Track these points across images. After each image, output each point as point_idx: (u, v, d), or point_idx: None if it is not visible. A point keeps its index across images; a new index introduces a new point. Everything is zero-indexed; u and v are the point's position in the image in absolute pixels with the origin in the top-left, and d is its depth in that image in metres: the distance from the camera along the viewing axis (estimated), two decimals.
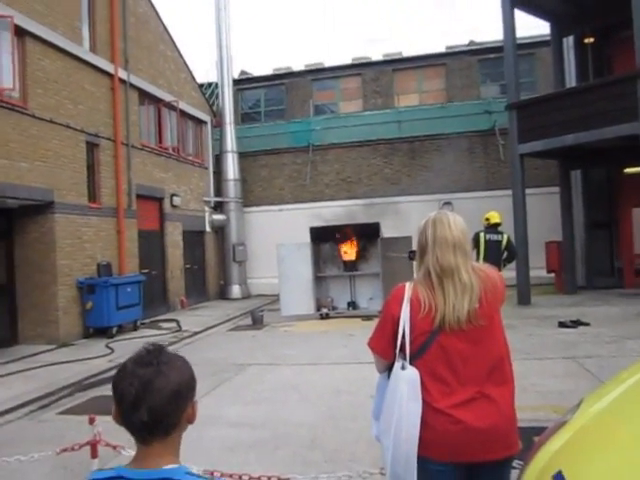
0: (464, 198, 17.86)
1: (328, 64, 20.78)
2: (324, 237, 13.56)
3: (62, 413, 6.61)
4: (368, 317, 12.38)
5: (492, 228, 9.99)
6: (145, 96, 15.21)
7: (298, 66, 20.98)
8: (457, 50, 19.72)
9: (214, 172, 19.31)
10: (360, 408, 5.72)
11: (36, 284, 11.00)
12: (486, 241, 9.79)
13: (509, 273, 13.33)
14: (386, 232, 13.66)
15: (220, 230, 19.39)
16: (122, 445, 4.00)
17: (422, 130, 18.92)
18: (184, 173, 17.20)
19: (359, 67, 20.29)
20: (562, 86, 15.34)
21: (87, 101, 12.39)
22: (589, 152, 14.08)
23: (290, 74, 20.74)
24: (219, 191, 19.40)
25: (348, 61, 20.73)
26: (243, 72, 22.02)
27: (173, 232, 16.29)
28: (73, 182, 11.72)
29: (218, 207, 19.38)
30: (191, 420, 1.39)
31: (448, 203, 18.15)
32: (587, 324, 10.09)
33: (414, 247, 2.35)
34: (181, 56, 17.32)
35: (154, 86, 15.51)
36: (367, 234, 13.38)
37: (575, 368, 7.17)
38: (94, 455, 4.20)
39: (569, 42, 16.06)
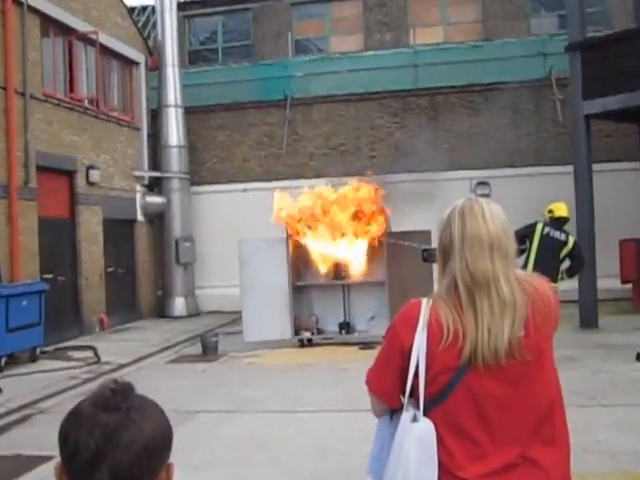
0: (505, 176, 17.97)
1: None
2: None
3: None
4: (367, 344, 12.39)
5: (556, 223, 10.00)
6: (50, 24, 15.06)
7: None
8: None
9: (149, 135, 19.23)
10: (355, 473, 5.74)
11: None
12: (543, 236, 9.79)
13: (567, 284, 13.47)
14: (395, 224, 13.72)
15: (157, 219, 19.33)
16: None
17: (447, 79, 18.98)
18: (106, 136, 17.09)
19: None
20: None
21: None
22: None
23: None
24: (156, 163, 19.33)
25: None
26: None
27: (89, 221, 16.19)
28: None
29: (155, 186, 19.31)
30: None
31: (483, 184, 18.24)
32: None
33: (432, 245, 2.36)
34: None
35: (63, 10, 15.36)
36: None
37: None
38: None
39: None
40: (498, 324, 2.11)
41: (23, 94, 13.74)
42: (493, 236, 2.18)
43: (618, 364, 10.05)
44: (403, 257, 12.22)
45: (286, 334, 13.14)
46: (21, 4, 13.76)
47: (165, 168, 19.28)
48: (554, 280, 9.85)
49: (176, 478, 1.37)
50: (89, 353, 12.98)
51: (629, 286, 15.87)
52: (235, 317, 16.09)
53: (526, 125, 18.68)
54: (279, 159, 19.89)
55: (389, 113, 19.44)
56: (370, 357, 2.46)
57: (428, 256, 2.35)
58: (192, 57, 21.40)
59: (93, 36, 16.29)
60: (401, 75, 19.30)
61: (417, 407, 2.16)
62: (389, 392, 2.24)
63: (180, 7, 20.27)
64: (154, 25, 20.22)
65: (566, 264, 10.04)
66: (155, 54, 19.59)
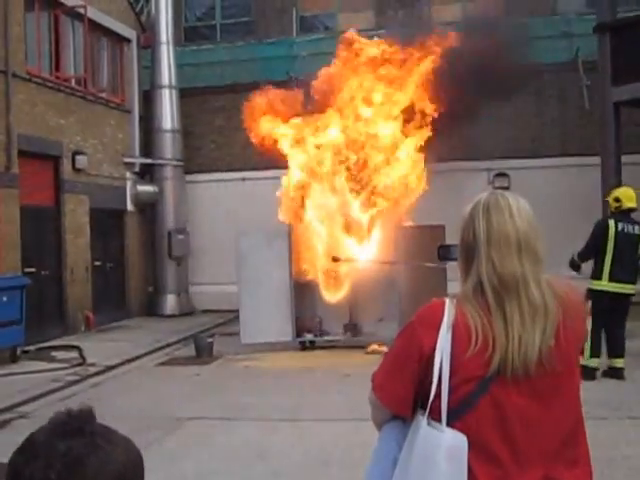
0: (527, 168, 17.92)
1: None
2: None
3: None
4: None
5: (624, 215, 9.81)
6: None
7: None
8: None
9: (141, 118, 19.22)
10: None
11: None
12: (618, 232, 9.57)
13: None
14: (406, 218, 13.71)
15: (149, 209, 19.35)
16: None
17: None
18: (94, 119, 17.10)
19: None
20: None
21: None
22: None
23: None
24: (148, 148, 19.33)
25: None
26: None
27: (76, 210, 16.21)
28: None
29: (146, 173, 19.33)
30: None
31: (502, 175, 18.20)
32: None
33: (448, 242, 2.33)
34: None
35: None
36: None
37: None
38: None
39: None
40: (529, 333, 2.08)
41: (5, 72, 13.73)
42: (521, 235, 2.15)
43: None
44: (415, 252, 12.18)
45: (287, 336, 13.16)
46: None
47: (158, 154, 19.27)
48: (634, 280, 9.70)
49: None
50: (74, 353, 13.00)
51: None
52: (232, 317, 16.11)
53: (550, 112, 18.61)
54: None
55: None
56: (378, 362, 2.39)
57: (444, 254, 2.30)
58: (188, 34, 21.32)
59: (81, 10, 16.25)
60: None
61: (431, 417, 2.12)
62: (400, 400, 2.20)
63: None
64: None
65: None
66: (148, 30, 19.54)
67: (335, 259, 12.86)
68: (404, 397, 2.19)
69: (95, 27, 17.23)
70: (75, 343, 14.00)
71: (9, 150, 13.81)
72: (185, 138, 19.80)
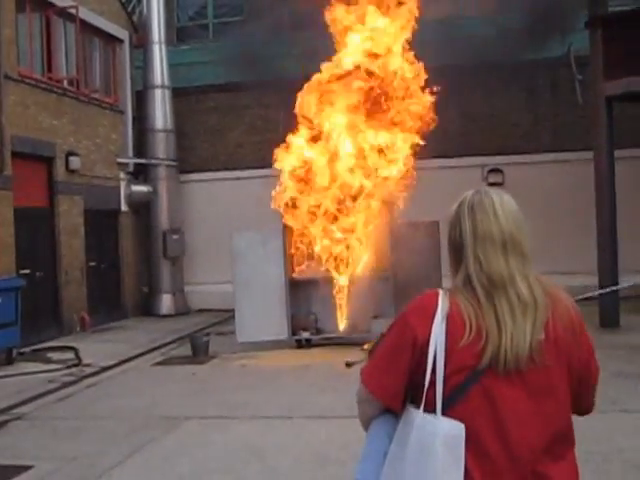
0: (520, 163, 17.92)
1: None
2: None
3: None
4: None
5: None
6: None
7: None
8: None
9: (134, 119, 19.18)
10: None
11: None
12: None
13: (586, 279, 13.47)
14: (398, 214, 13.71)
15: (143, 209, 19.31)
16: None
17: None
18: (87, 120, 17.05)
19: None
20: None
21: None
22: None
23: None
24: (142, 148, 19.31)
25: None
26: None
27: (70, 211, 16.19)
28: None
29: (140, 173, 19.29)
30: None
31: (496, 171, 18.20)
32: None
33: (442, 237, 2.33)
34: None
35: None
36: None
37: None
38: None
39: None
40: (520, 327, 2.10)
41: None
42: (506, 235, 2.16)
43: None
44: (410, 247, 12.17)
45: (282, 334, 13.15)
46: None
47: (151, 154, 19.24)
48: None
49: None
50: (69, 354, 12.99)
51: None
52: (227, 316, 16.08)
53: (542, 107, 18.61)
54: (275, 145, 19.79)
55: None
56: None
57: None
58: (180, 34, 21.30)
59: (73, 11, 16.21)
60: None
61: (423, 408, 2.11)
62: (392, 392, 2.19)
63: None
64: None
65: None
66: (140, 30, 19.51)
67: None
68: (396, 389, 2.18)
69: (87, 28, 17.18)
70: (71, 344, 14.00)
71: (2, 152, 13.74)
72: (178, 138, 19.77)
